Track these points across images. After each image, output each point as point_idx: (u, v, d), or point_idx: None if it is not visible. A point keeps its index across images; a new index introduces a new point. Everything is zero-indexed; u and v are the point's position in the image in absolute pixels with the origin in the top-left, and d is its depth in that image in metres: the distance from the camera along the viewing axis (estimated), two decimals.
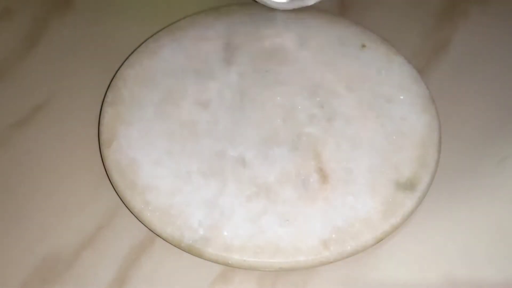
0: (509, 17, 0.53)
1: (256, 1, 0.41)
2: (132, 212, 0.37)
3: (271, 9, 0.48)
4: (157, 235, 0.37)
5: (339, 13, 0.49)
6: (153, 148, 0.39)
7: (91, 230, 0.38)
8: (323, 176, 0.38)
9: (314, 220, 0.36)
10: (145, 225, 0.37)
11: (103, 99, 0.43)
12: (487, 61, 0.48)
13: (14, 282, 0.36)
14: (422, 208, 0.38)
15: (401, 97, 0.42)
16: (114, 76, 0.44)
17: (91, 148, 0.42)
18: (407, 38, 0.48)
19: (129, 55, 0.45)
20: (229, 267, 0.36)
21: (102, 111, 0.42)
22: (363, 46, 0.45)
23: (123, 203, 0.38)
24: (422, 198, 0.38)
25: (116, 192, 0.38)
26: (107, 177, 0.39)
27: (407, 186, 0.38)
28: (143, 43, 0.46)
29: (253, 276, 0.36)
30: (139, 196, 0.37)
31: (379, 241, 0.36)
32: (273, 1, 0.37)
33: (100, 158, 0.40)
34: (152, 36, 0.47)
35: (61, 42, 0.50)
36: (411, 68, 0.44)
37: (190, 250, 0.35)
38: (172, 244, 0.36)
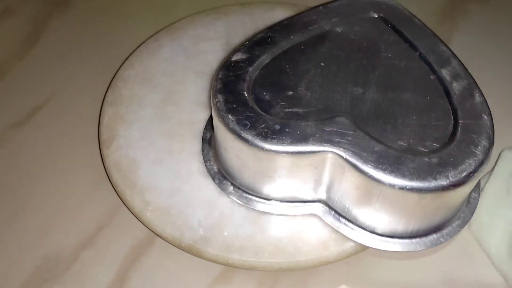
0: (508, 16, 0.53)
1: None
2: (132, 212, 0.37)
3: (270, 9, 0.48)
4: (157, 235, 0.37)
5: None
6: (153, 148, 0.39)
7: (91, 230, 0.38)
8: None
9: (314, 220, 0.36)
10: (145, 225, 0.37)
11: (103, 99, 0.43)
12: (486, 59, 0.48)
13: (14, 281, 0.36)
14: None
15: None
16: (114, 76, 0.44)
17: (91, 148, 0.42)
18: None
19: (129, 55, 0.45)
20: (229, 267, 0.36)
21: (102, 111, 0.42)
22: None
23: (123, 203, 0.38)
24: None
25: (116, 192, 0.38)
26: (107, 177, 0.39)
27: None
28: (143, 43, 0.46)
29: (253, 276, 0.36)
30: (139, 196, 0.37)
31: None
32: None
33: (100, 158, 0.40)
34: (152, 36, 0.47)
35: (61, 42, 0.50)
36: None
37: (190, 250, 0.35)
38: (172, 244, 0.36)
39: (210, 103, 0.34)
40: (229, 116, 0.32)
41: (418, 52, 0.36)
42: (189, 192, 0.37)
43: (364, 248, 0.36)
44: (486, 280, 0.36)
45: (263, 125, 0.32)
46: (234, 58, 0.35)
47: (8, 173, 0.41)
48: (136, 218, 0.37)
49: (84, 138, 0.43)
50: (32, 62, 0.48)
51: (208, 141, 0.39)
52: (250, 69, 0.34)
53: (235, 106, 0.33)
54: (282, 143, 0.31)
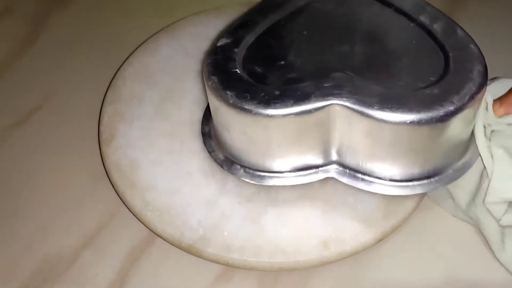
0: (507, 10, 0.52)
1: None
2: (132, 212, 0.37)
3: None
4: (157, 235, 0.37)
5: None
6: (153, 148, 0.39)
7: (91, 230, 0.38)
8: None
9: (314, 220, 0.36)
10: (145, 225, 0.37)
11: (103, 98, 0.43)
12: (486, 54, 0.48)
13: (14, 281, 0.36)
14: (422, 208, 0.38)
15: None
16: (114, 75, 0.44)
17: (91, 148, 0.42)
18: None
19: (130, 54, 0.45)
20: (229, 267, 0.36)
21: (102, 110, 0.42)
22: None
23: (123, 203, 0.38)
24: (422, 198, 0.38)
25: (116, 192, 0.38)
26: (107, 176, 0.39)
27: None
28: (143, 42, 0.46)
29: (253, 276, 0.36)
30: (139, 196, 0.37)
31: (379, 241, 0.36)
32: None
33: (100, 158, 0.40)
34: (152, 35, 0.47)
35: (60, 42, 0.50)
36: None
37: (190, 250, 0.35)
38: (172, 244, 0.36)
39: (205, 87, 0.35)
40: (227, 92, 0.32)
41: (393, 7, 0.37)
42: (189, 192, 0.37)
43: (364, 248, 0.36)
44: (486, 280, 0.36)
45: (263, 94, 0.32)
46: (219, 43, 0.35)
47: (8, 172, 0.41)
48: (136, 218, 0.37)
49: (84, 137, 0.43)
50: (31, 61, 0.48)
51: (208, 134, 0.39)
52: (237, 49, 0.35)
53: (230, 82, 0.33)
54: (286, 106, 0.31)
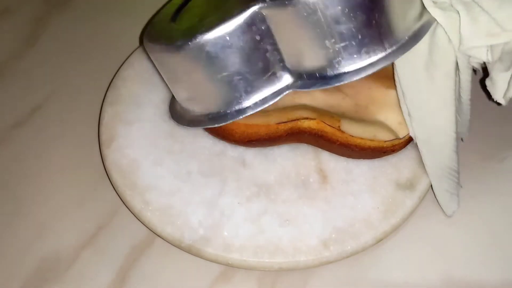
0: None
1: None
2: (132, 212, 0.37)
3: None
4: (157, 235, 0.37)
5: None
6: (153, 148, 0.39)
7: (91, 230, 0.38)
8: (323, 176, 0.38)
9: (314, 220, 0.36)
10: (145, 225, 0.37)
11: (103, 99, 0.43)
12: None
13: (14, 281, 0.36)
14: (422, 208, 0.38)
15: None
16: (114, 76, 0.44)
17: (91, 148, 0.42)
18: None
19: (129, 55, 0.45)
20: (229, 267, 0.36)
21: (102, 111, 0.42)
22: None
23: (123, 203, 0.38)
24: (422, 198, 0.38)
25: (116, 192, 0.38)
26: (107, 177, 0.39)
27: (407, 186, 0.38)
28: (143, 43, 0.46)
29: (253, 276, 0.36)
30: (139, 196, 0.37)
31: (379, 241, 0.36)
32: None
33: (100, 158, 0.40)
34: None
35: (60, 42, 0.50)
36: None
37: (190, 250, 0.35)
38: (172, 244, 0.36)
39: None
40: (160, 40, 0.34)
41: None
42: (189, 192, 0.37)
43: (364, 248, 0.36)
44: (485, 280, 0.36)
45: (190, 29, 0.33)
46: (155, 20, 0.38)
47: (8, 173, 0.41)
48: (136, 218, 0.37)
49: (84, 138, 0.43)
50: (31, 62, 0.48)
51: (174, 109, 0.40)
52: (172, 16, 0.36)
53: (162, 35, 0.35)
54: (212, 28, 0.32)
